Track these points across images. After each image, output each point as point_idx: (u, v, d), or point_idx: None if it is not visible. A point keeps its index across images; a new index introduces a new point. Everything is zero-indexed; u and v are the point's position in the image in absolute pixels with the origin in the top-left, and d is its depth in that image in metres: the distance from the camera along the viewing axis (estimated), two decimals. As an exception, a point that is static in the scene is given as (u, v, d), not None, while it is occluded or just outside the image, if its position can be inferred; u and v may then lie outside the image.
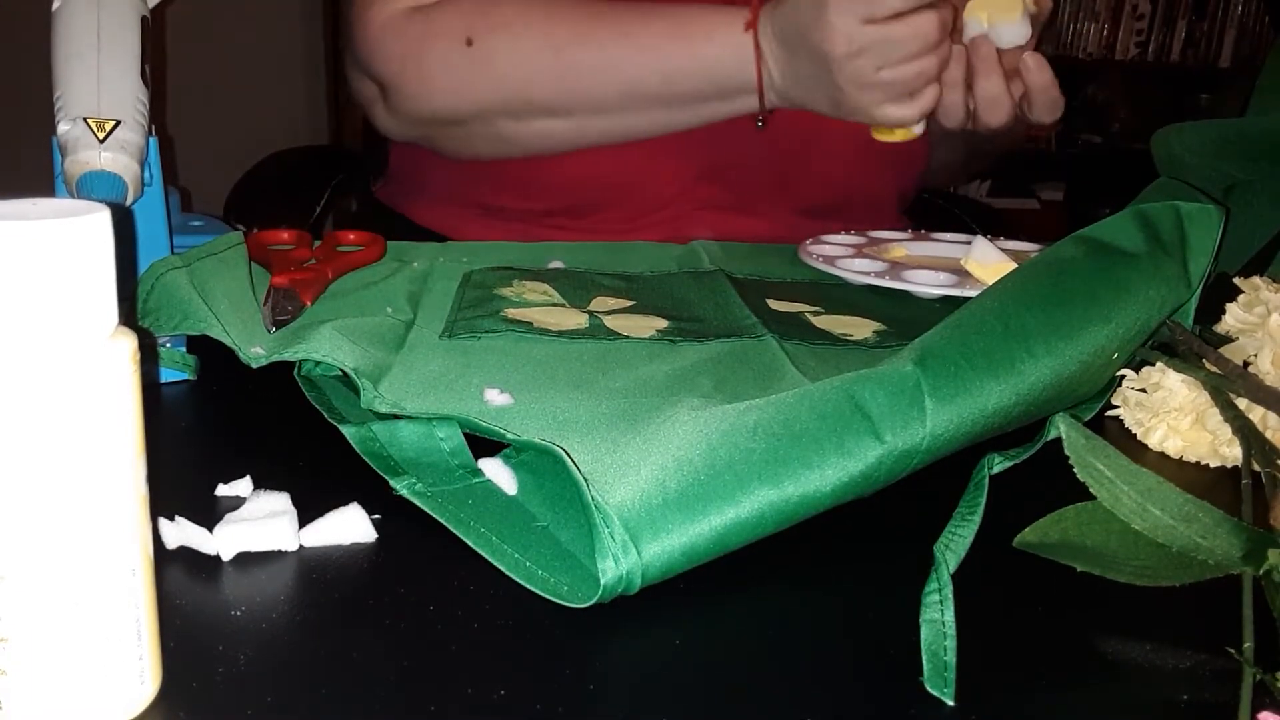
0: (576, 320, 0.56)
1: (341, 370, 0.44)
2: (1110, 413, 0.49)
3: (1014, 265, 0.60)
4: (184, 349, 0.49)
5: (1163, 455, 0.46)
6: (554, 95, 0.77)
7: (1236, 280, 0.51)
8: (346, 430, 0.41)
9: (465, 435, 0.40)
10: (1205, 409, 0.45)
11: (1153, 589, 0.33)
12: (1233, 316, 0.50)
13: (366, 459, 0.39)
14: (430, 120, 0.82)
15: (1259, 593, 0.32)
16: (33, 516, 0.24)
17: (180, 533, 0.34)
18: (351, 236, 0.66)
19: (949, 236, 0.79)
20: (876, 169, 0.87)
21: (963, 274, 0.66)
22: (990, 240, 0.70)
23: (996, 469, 0.39)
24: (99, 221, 0.24)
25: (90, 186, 0.44)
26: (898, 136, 0.74)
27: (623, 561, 0.31)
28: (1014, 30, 0.72)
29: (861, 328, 0.57)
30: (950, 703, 0.28)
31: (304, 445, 0.42)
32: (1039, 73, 0.72)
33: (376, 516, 0.36)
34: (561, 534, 0.35)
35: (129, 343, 0.25)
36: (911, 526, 0.37)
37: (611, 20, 0.76)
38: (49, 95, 0.46)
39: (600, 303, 0.60)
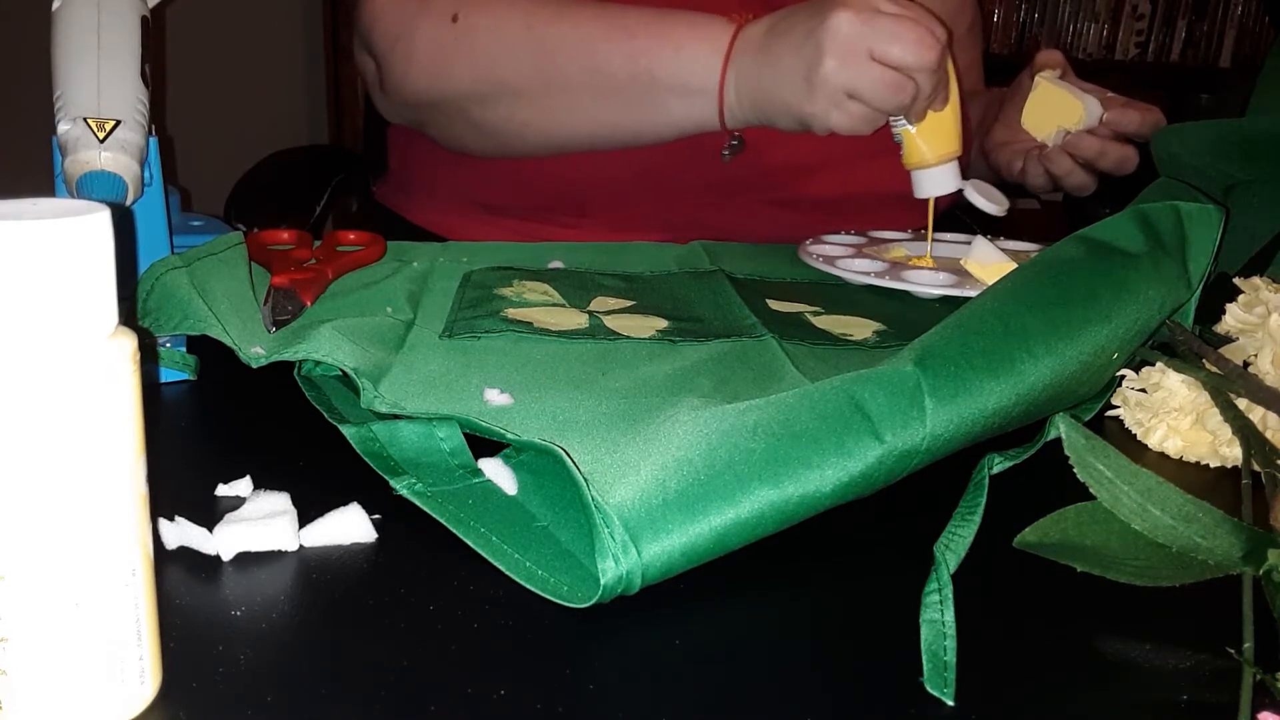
0: (576, 320, 0.56)
1: (341, 370, 0.44)
2: (1110, 413, 0.49)
3: (1014, 265, 0.60)
4: (184, 349, 0.49)
5: (1163, 455, 0.46)
6: (521, 72, 0.76)
7: (1236, 280, 0.51)
8: (346, 430, 0.41)
9: (465, 435, 0.40)
10: (1205, 409, 0.45)
11: (1153, 589, 0.33)
12: (1233, 316, 0.50)
13: (366, 459, 0.39)
14: (414, 103, 0.82)
15: (1259, 593, 0.32)
16: (33, 517, 0.24)
17: (180, 533, 0.34)
18: (351, 236, 0.66)
19: (949, 236, 0.79)
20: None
21: (963, 274, 0.66)
22: (990, 240, 0.70)
23: (996, 469, 0.39)
24: (99, 221, 0.24)
25: (90, 186, 0.44)
26: (928, 159, 0.71)
27: (623, 561, 0.31)
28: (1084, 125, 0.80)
29: (861, 328, 0.57)
30: (950, 703, 0.28)
31: (304, 445, 0.42)
32: (1059, 163, 0.80)
33: (376, 516, 0.36)
34: (561, 534, 0.35)
35: (129, 343, 0.25)
36: (911, 526, 0.37)
37: (596, 5, 0.75)
38: (49, 95, 0.46)
39: (600, 303, 0.60)
